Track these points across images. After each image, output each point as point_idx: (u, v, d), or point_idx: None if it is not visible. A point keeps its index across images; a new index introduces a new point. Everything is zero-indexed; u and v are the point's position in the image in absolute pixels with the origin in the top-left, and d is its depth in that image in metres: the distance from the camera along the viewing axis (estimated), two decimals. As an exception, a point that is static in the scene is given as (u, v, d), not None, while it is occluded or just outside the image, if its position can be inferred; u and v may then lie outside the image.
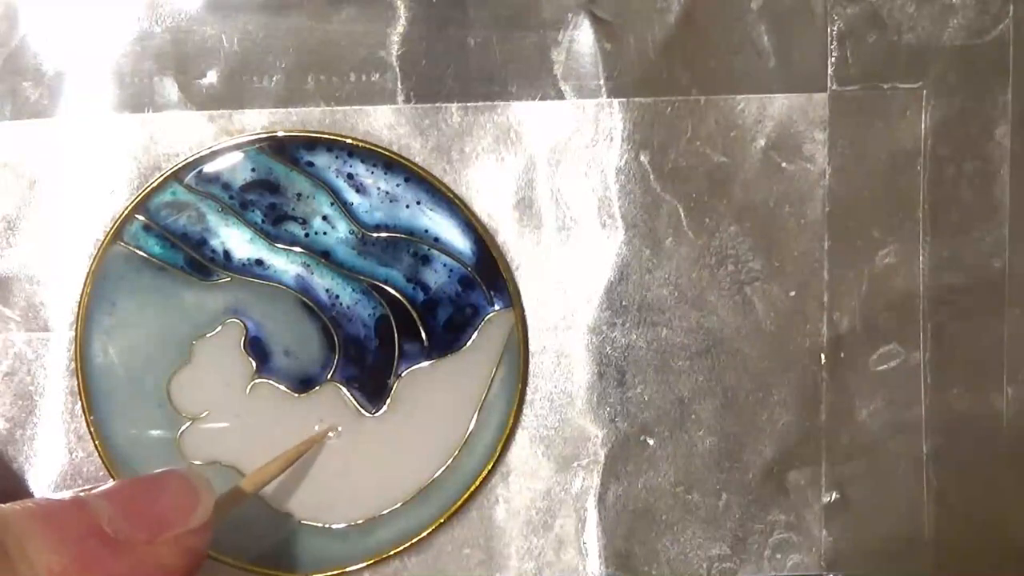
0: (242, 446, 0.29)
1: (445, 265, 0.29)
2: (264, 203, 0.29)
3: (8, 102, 0.29)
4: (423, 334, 0.29)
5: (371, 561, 0.29)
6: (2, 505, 0.22)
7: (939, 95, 0.29)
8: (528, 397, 0.30)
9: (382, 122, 0.29)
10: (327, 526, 0.29)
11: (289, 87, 0.29)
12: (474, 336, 0.29)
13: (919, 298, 0.29)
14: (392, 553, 0.29)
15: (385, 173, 0.29)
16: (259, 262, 0.29)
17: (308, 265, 0.29)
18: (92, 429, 0.29)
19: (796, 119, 0.29)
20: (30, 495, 0.29)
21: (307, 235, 0.29)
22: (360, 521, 0.29)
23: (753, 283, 0.29)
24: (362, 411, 0.29)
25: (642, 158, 0.29)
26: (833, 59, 0.29)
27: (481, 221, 0.29)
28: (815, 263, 0.29)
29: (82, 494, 0.23)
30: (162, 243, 0.29)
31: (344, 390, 0.29)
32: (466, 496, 0.29)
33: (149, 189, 0.29)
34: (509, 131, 0.29)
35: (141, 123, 0.29)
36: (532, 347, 0.29)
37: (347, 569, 0.29)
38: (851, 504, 0.30)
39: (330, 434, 0.29)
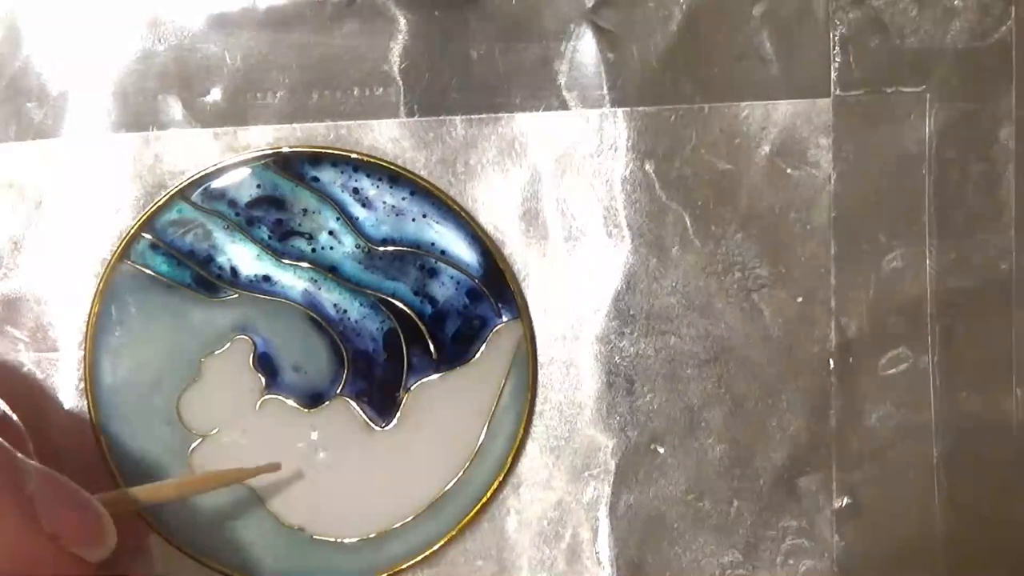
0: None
1: (452, 277, 0.29)
2: (270, 219, 0.29)
3: (13, 122, 0.29)
4: (431, 347, 0.29)
5: (384, 575, 0.29)
6: None
7: (943, 98, 0.29)
8: (537, 408, 0.30)
9: (386, 136, 0.29)
10: (339, 541, 0.29)
11: (293, 103, 0.29)
12: (482, 348, 0.29)
13: (927, 301, 0.29)
14: (405, 566, 0.29)
15: (390, 187, 0.29)
16: (266, 278, 0.29)
17: (315, 280, 0.29)
18: (102, 448, 0.29)
19: (800, 125, 0.29)
20: None
21: (314, 250, 0.29)
22: (372, 535, 0.29)
23: (760, 290, 0.29)
24: (372, 425, 0.29)
25: (647, 167, 0.29)
26: (836, 64, 0.29)
27: (487, 233, 0.29)
28: (822, 268, 0.29)
29: (19, 455, 0.22)
30: (169, 261, 0.29)
31: (353, 404, 0.29)
32: (477, 508, 0.29)
33: (155, 207, 0.29)
34: (513, 142, 0.29)
35: (146, 141, 0.29)
36: (541, 358, 0.29)
37: (360, 583, 0.29)
38: (863, 509, 0.30)
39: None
